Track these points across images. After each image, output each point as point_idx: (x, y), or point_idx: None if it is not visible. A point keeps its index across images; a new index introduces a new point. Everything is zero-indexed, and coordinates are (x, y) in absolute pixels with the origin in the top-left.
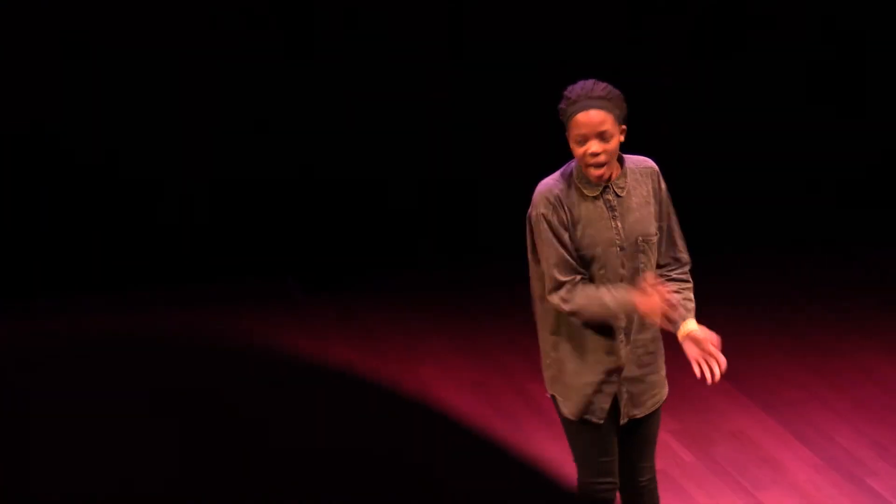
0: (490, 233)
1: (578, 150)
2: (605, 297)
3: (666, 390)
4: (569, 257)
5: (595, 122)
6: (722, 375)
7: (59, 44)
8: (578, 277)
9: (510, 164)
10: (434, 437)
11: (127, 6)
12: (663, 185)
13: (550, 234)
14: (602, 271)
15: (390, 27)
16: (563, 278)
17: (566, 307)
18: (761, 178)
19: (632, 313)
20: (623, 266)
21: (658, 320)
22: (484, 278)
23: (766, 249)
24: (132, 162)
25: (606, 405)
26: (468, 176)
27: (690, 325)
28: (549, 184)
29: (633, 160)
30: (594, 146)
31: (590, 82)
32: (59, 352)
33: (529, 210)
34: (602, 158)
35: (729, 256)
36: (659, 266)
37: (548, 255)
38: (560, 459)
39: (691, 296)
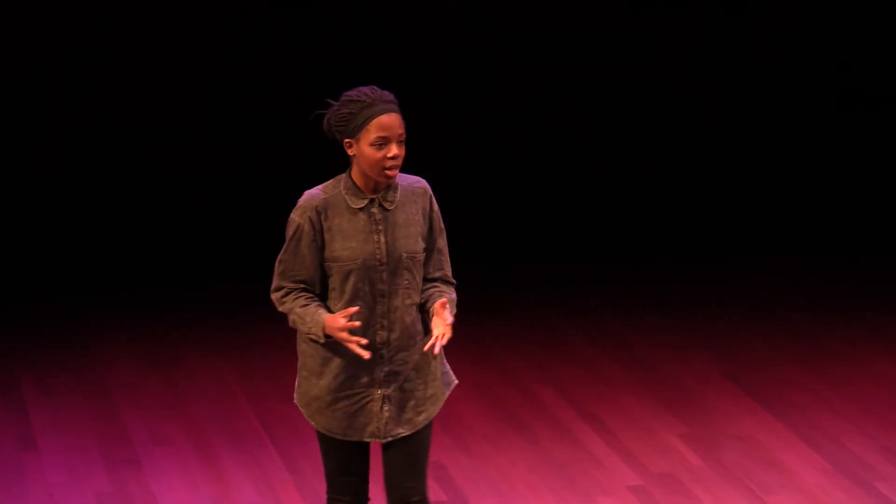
0: (492, 237)
1: (376, 154)
2: (300, 312)
3: (437, 407)
4: (298, 270)
5: (397, 125)
6: (729, 378)
7: None
8: (299, 287)
9: (512, 168)
10: (439, 438)
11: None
12: (435, 207)
13: (294, 242)
14: (361, 285)
15: (402, 21)
16: (283, 283)
17: (280, 308)
18: (766, 180)
19: (319, 331)
20: (383, 281)
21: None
22: (487, 281)
23: (772, 253)
24: (134, 164)
25: (356, 423)
26: (471, 180)
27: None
28: (314, 193)
29: (404, 177)
30: (395, 149)
31: (374, 88)
32: (63, 357)
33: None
34: (399, 163)
35: (735, 260)
36: (427, 280)
37: (282, 257)
38: (565, 464)
39: (454, 298)
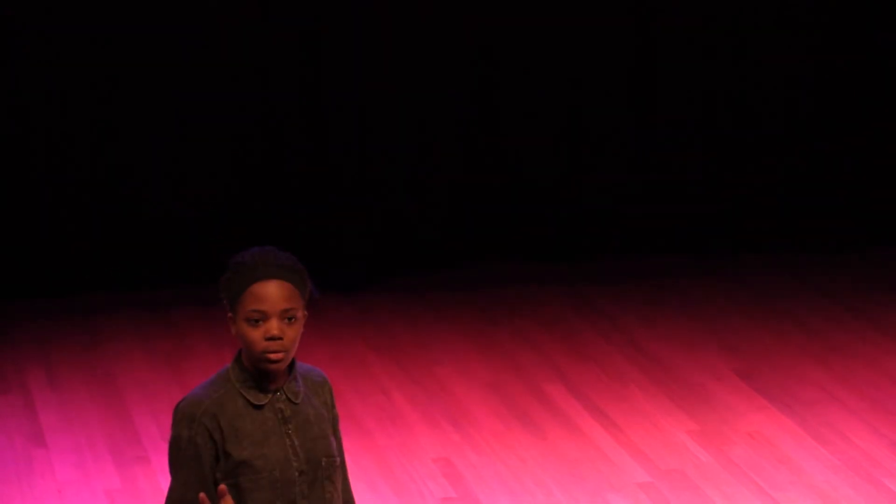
0: (504, 231)
1: (252, 334)
2: None
3: None
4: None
5: (277, 296)
6: (739, 374)
7: None
8: None
9: (521, 165)
10: (449, 434)
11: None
12: (333, 401)
13: (186, 459)
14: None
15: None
16: None
17: None
18: (775, 178)
19: None
20: (305, 497)
21: None
22: (499, 277)
23: (781, 249)
24: (137, 164)
25: None
26: (487, 175)
27: None
28: (198, 396)
29: (299, 364)
30: (274, 328)
31: (269, 249)
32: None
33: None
34: (284, 345)
35: (745, 256)
36: None
37: (174, 487)
38: (574, 460)
39: None
